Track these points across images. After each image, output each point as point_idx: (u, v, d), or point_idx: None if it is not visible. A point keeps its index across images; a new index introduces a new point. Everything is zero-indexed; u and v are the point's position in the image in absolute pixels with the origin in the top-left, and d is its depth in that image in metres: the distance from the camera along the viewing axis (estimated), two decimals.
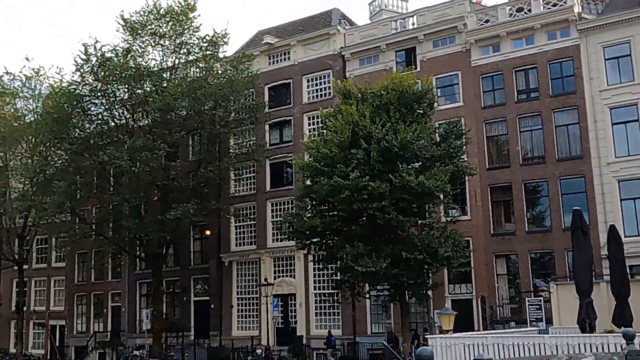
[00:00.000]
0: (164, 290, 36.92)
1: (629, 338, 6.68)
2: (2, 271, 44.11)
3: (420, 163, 25.21)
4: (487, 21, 31.78)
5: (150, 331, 34.76)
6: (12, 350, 42.60)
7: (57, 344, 42.31)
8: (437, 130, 27.77)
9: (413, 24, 34.04)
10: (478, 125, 30.41)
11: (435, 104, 27.97)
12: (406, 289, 25.75)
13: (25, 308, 41.71)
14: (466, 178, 29.09)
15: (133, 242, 36.15)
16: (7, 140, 38.91)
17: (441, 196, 25.96)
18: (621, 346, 6.72)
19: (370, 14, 38.74)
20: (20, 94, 40.25)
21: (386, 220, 23.67)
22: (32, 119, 38.76)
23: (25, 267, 41.20)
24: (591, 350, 11.80)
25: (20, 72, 39.96)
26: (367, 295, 29.03)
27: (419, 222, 25.79)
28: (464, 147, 27.30)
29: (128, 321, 39.88)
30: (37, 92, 39.94)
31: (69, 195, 34.43)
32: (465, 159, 28.20)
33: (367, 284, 27.29)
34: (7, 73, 40.19)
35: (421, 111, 26.15)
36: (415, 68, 31.63)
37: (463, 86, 31.61)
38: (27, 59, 40.93)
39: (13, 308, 42.62)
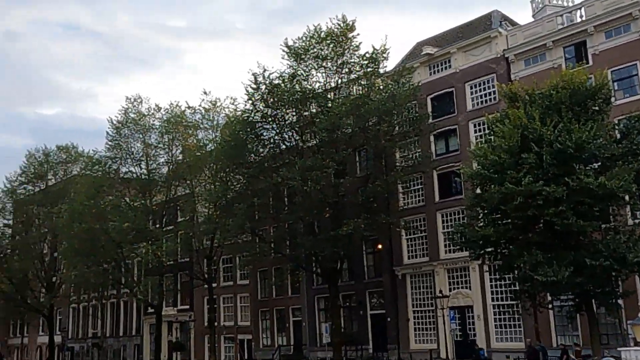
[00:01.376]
0: (340, 304, 37.74)
1: None
2: (195, 290, 47.89)
3: (599, 163, 23.62)
4: None
5: (330, 344, 35.70)
6: None
7: (246, 357, 44.79)
8: (616, 127, 25.85)
9: (581, 17, 32.10)
10: None
11: (612, 99, 26.09)
12: (592, 298, 24.10)
13: (216, 323, 44.76)
14: None
15: (309, 258, 37.48)
16: (192, 169, 42.31)
17: (626, 197, 24.02)
18: None
19: (533, 11, 37.06)
20: (201, 126, 43.62)
21: (565, 226, 22.42)
22: (212, 147, 41.71)
23: (214, 285, 44.29)
24: None
25: (200, 105, 43.37)
26: (550, 306, 27.52)
27: (603, 226, 24.07)
28: None
29: (309, 335, 41.25)
30: (215, 122, 43.04)
31: (249, 216, 36.55)
32: None
33: (548, 294, 25.93)
34: (188, 107, 43.98)
35: (596, 108, 24.53)
36: (587, 63, 29.79)
37: None
38: (205, 92, 44.31)
39: (205, 323, 45.98)
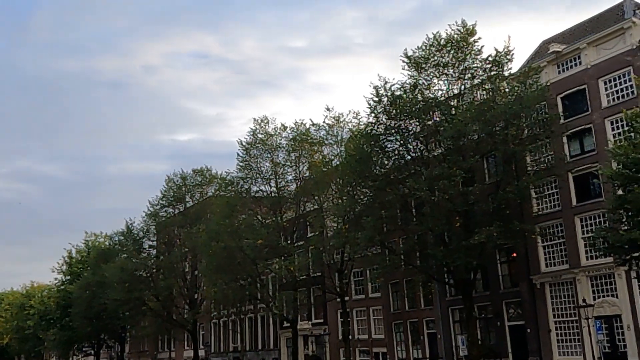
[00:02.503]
0: (476, 315, 36.75)
1: None
2: (328, 303, 48.59)
3: None
4: None
5: (467, 357, 34.85)
6: None
7: None
8: None
9: None
10: None
11: None
12: None
13: (350, 336, 45.09)
14: None
15: (440, 269, 36.91)
16: (320, 185, 43.14)
17: None
18: None
19: None
20: (326, 142, 44.48)
21: None
22: (337, 162, 42.39)
23: (346, 298, 44.70)
24: None
25: (324, 122, 44.26)
26: None
27: None
28: None
29: (445, 347, 40.51)
30: (339, 137, 43.73)
31: (377, 229, 36.62)
32: None
33: None
34: (313, 125, 44.99)
35: None
36: None
37: None
38: (328, 109, 45.10)
39: (340, 336, 46.45)
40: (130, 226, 63.77)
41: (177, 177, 60.09)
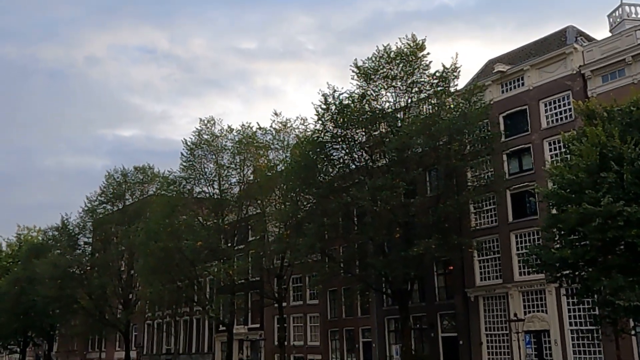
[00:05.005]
0: (411, 326, 37.22)
1: None
2: (265, 308, 48.32)
3: None
4: None
5: None
6: None
7: None
8: None
9: None
10: None
11: None
12: None
13: (286, 342, 44.96)
14: None
15: (379, 279, 37.24)
16: (263, 189, 42.92)
17: None
18: None
19: (610, 26, 35.95)
20: (272, 146, 44.31)
21: None
22: (282, 168, 42.25)
23: (284, 304, 44.58)
24: None
25: (271, 126, 44.08)
26: (633, 332, 26.25)
27: None
28: None
29: (379, 356, 40.85)
30: (285, 143, 43.63)
31: (318, 236, 36.69)
32: None
33: (631, 320, 24.74)
34: (260, 128, 44.75)
35: None
36: None
37: None
38: (275, 113, 45.01)
39: (275, 342, 46.25)
40: (65, 221, 61.92)
41: (118, 174, 58.75)
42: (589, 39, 36.04)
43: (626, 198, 21.79)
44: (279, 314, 44.17)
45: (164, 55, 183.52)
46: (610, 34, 34.75)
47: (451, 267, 37.42)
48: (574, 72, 33.35)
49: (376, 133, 35.83)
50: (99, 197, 58.98)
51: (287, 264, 42.73)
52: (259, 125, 45.22)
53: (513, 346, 32.67)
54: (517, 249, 34.23)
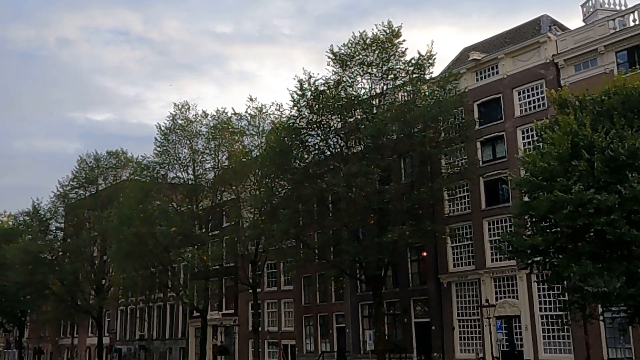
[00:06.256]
0: (384, 311, 37.52)
1: None
2: (239, 294, 48.33)
3: None
4: None
5: (373, 352, 35.55)
6: None
7: None
8: None
9: (634, 21, 31.32)
10: None
11: None
12: None
13: (260, 328, 45.07)
14: None
15: (353, 265, 37.44)
16: (238, 175, 42.76)
17: None
18: None
19: (584, 15, 36.31)
20: (247, 132, 44.08)
21: (617, 236, 21.76)
22: (257, 153, 42.14)
23: (258, 290, 44.63)
24: None
25: (246, 112, 43.84)
26: (601, 318, 26.79)
27: None
28: None
29: (352, 342, 41.16)
30: (260, 129, 43.45)
31: (293, 222, 36.71)
32: None
33: (599, 305, 25.24)
34: (235, 114, 44.48)
35: None
36: None
37: None
38: (250, 99, 44.74)
39: (250, 328, 46.31)
40: (37, 206, 61.24)
41: (90, 158, 58.15)
42: (563, 28, 36.39)
43: (596, 186, 22.11)
44: (253, 300, 44.21)
45: (138, 37, 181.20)
46: (583, 24, 35.10)
47: (424, 254, 37.76)
48: (548, 61, 33.67)
49: (351, 120, 35.86)
50: (71, 182, 58.37)
51: (262, 250, 42.72)
52: (234, 110, 45.04)
53: (484, 331, 33.15)
54: (490, 235, 34.64)
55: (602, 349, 29.50)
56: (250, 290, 43.97)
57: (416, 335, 37.79)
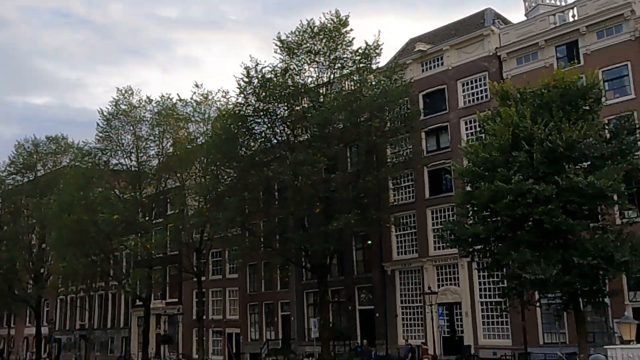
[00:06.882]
0: (329, 299, 37.84)
1: None
2: (183, 283, 47.85)
3: (589, 163, 23.74)
4: None
5: (318, 339, 35.82)
6: (195, 356, 45.91)
7: (234, 351, 44.89)
8: (606, 127, 25.97)
9: (573, 16, 32.28)
10: None
11: (603, 99, 26.24)
12: (580, 296, 24.29)
13: (204, 317, 44.77)
14: None
15: (299, 253, 37.56)
16: (183, 162, 42.19)
17: (615, 197, 24.16)
18: None
19: (526, 10, 37.20)
20: (192, 119, 43.53)
21: (554, 225, 22.55)
22: (203, 141, 41.67)
23: (203, 278, 44.29)
24: None
25: (191, 98, 43.27)
26: (538, 304, 27.73)
27: (591, 225, 24.22)
28: (639, 143, 25.23)
29: (297, 329, 41.36)
30: (206, 115, 42.98)
31: (239, 210, 36.51)
32: None
33: (536, 292, 26.10)
34: (180, 100, 43.83)
35: (587, 107, 24.65)
36: (578, 62, 29.95)
37: (634, 77, 29.31)
38: (196, 85, 44.19)
39: (194, 317, 45.95)
40: None
41: (28, 143, 56.28)
42: (506, 22, 37.20)
43: (535, 177, 22.81)
44: (197, 288, 43.88)
45: (80, 20, 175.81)
46: (525, 18, 35.95)
47: (369, 242, 38.19)
48: (491, 53, 34.38)
49: (298, 108, 35.85)
50: (8, 168, 56.51)
51: (207, 238, 42.38)
52: (179, 96, 44.38)
53: (427, 318, 33.82)
54: (433, 224, 35.27)
55: (538, 334, 30.52)
56: (195, 279, 43.60)
57: (360, 322, 38.24)
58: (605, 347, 15.09)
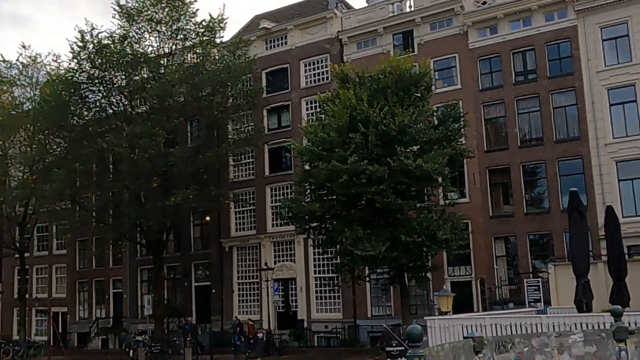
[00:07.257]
0: (164, 276, 37.12)
1: (617, 315, 6.85)
2: (4, 259, 44.38)
3: (418, 146, 25.28)
4: (484, 3, 31.70)
5: (152, 316, 35.04)
6: (16, 337, 42.91)
7: (60, 331, 42.58)
8: (435, 114, 27.80)
9: (410, 7, 33.97)
10: (476, 108, 30.42)
11: (433, 87, 28.05)
12: (406, 271, 25.93)
13: (27, 295, 41.93)
14: (465, 161, 29.16)
15: (133, 228, 36.35)
16: (6, 129, 38.87)
17: (439, 179, 26.01)
18: (611, 323, 6.90)
19: None
20: (18, 82, 40.14)
21: (385, 204, 23.79)
22: (30, 107, 38.71)
23: (26, 255, 41.41)
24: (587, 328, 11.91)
25: (17, 60, 39.85)
26: (367, 279, 29.22)
27: (418, 205, 25.89)
28: (462, 130, 27.33)
29: (130, 307, 40.16)
30: (34, 80, 39.85)
31: (69, 182, 34.51)
32: (464, 142, 28.24)
33: (367, 268, 27.47)
34: (3, 61, 40.10)
35: (419, 94, 26.18)
36: (413, 51, 31.57)
37: (461, 69, 31.59)
38: (23, 46, 40.62)
39: (15, 295, 42.86)
40: None
41: None
42: (348, 6, 38.28)
43: (369, 158, 23.87)
44: (20, 265, 40.96)
45: None
46: (367, 4, 37.21)
47: (208, 218, 37.86)
48: (333, 36, 35.23)
49: (137, 78, 34.48)
50: None
51: (32, 212, 39.64)
52: (2, 57, 40.55)
53: (262, 293, 34.32)
54: (272, 201, 35.71)
55: (367, 307, 32.21)
56: (17, 255, 40.63)
57: (196, 298, 37.96)
58: (425, 317, 16.33)
